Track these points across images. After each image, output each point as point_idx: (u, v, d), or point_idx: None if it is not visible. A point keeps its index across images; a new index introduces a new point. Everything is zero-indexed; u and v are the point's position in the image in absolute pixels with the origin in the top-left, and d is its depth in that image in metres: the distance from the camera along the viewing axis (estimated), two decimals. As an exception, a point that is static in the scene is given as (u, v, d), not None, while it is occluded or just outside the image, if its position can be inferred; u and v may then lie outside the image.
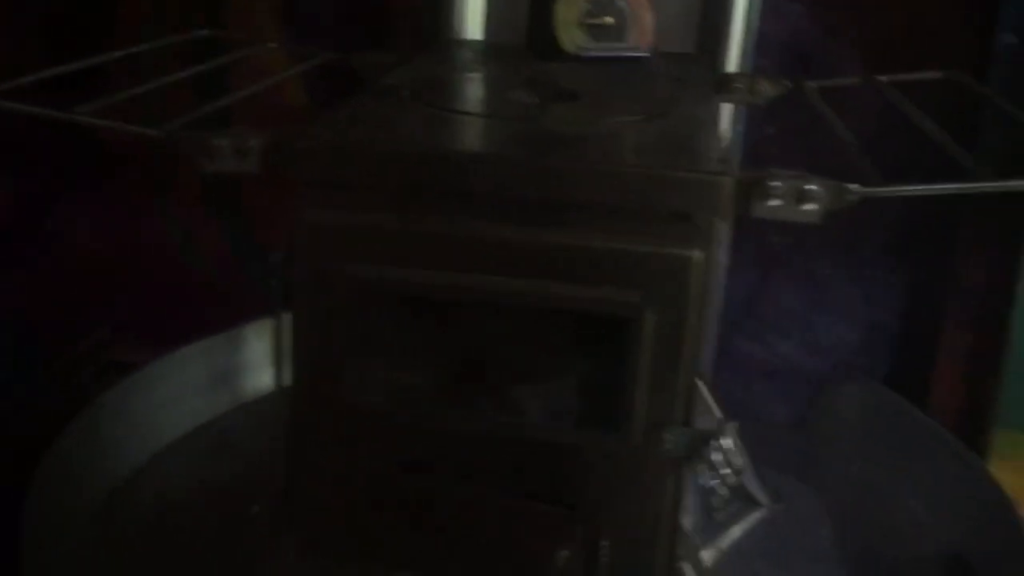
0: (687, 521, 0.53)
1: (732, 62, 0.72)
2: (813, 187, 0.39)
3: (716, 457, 0.40)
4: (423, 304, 0.41)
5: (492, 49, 0.69)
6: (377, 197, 0.40)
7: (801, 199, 0.39)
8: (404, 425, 0.42)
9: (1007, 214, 0.71)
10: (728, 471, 0.41)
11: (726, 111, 0.62)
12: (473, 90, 0.52)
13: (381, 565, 0.44)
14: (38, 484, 0.58)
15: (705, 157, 0.41)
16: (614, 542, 0.42)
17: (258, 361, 0.73)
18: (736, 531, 0.75)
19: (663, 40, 0.73)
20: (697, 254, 0.39)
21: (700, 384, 0.62)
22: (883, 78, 0.59)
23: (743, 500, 0.76)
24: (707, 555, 0.68)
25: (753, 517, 0.75)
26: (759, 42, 0.73)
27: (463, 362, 0.42)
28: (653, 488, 0.42)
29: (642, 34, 0.64)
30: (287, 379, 0.43)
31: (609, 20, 0.62)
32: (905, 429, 0.77)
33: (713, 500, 0.42)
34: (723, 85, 0.61)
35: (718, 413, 0.65)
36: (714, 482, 0.41)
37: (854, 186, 0.39)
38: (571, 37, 0.62)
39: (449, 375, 0.42)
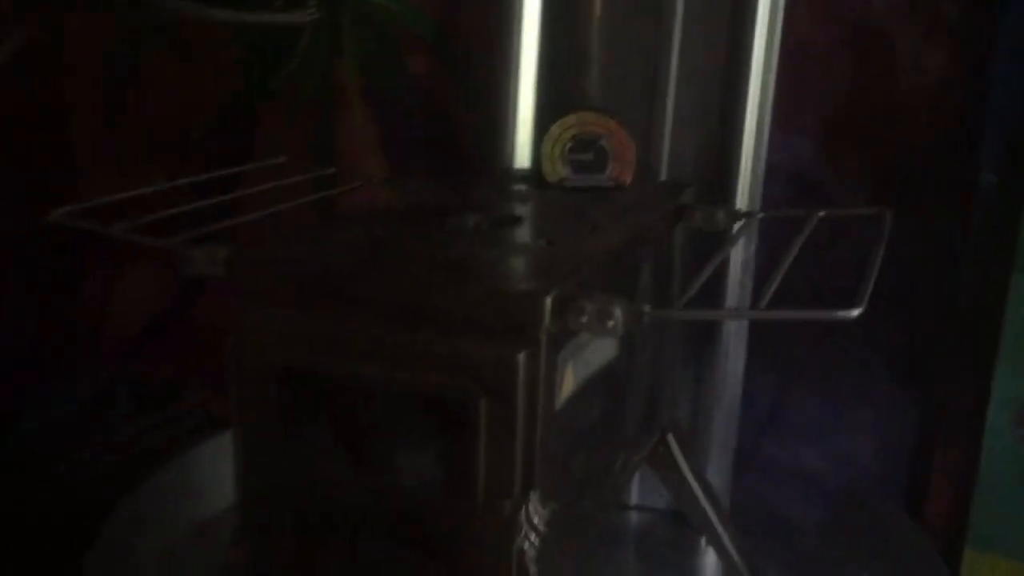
0: None
1: (743, 191, 0.81)
2: (613, 307, 0.48)
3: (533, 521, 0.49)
4: (325, 386, 0.53)
5: (510, 176, 0.82)
6: (293, 299, 0.53)
7: (603, 317, 0.48)
8: (310, 483, 0.54)
9: (982, 336, 0.74)
10: (529, 532, 0.49)
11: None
12: (431, 215, 0.64)
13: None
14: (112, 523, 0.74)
15: (547, 281, 0.52)
16: (469, 588, 0.52)
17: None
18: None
19: (678, 171, 0.84)
20: (522, 355, 0.49)
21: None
22: (822, 213, 0.66)
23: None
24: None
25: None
26: (769, 172, 0.81)
27: (355, 436, 0.54)
28: (499, 545, 0.51)
29: (624, 167, 0.74)
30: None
31: (589, 157, 0.73)
32: (898, 544, 0.81)
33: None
34: (681, 213, 0.70)
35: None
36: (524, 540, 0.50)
37: (647, 307, 0.48)
38: (555, 169, 0.73)
39: (344, 446, 0.54)
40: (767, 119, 0.80)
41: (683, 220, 0.70)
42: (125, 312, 1.11)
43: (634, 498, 0.95)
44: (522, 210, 0.67)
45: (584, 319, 0.48)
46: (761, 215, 0.70)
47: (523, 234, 0.60)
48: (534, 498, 0.49)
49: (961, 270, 0.74)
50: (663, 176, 0.84)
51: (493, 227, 0.62)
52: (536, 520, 0.49)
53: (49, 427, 0.90)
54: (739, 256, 0.80)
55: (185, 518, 0.82)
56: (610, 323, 0.48)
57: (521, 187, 0.76)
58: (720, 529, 0.81)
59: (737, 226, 0.70)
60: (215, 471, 0.75)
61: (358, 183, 0.74)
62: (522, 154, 0.86)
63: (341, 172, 0.77)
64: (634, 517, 0.94)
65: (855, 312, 0.44)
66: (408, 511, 0.53)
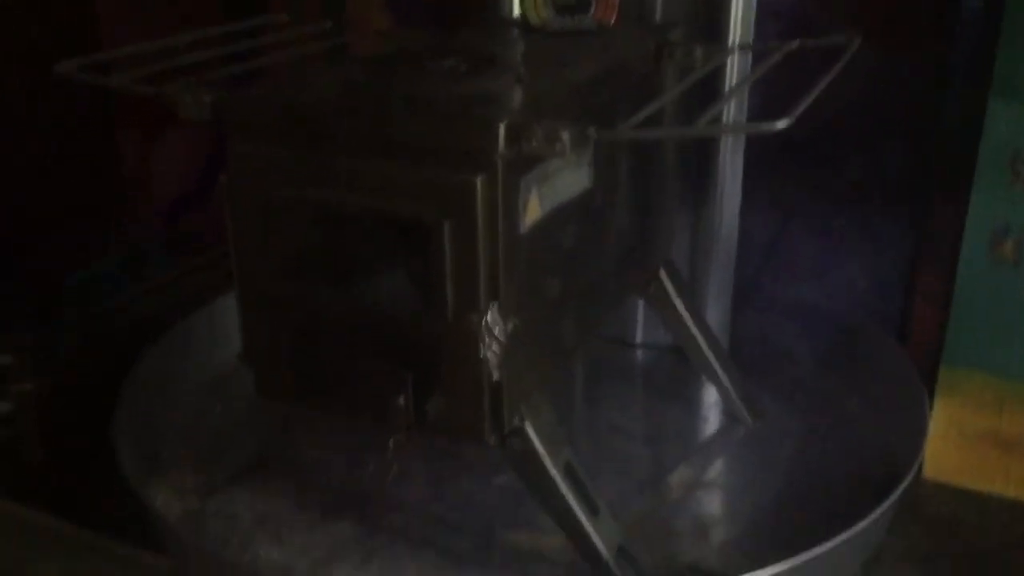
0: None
1: (735, 33, 0.82)
2: (560, 131, 0.51)
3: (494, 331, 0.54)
4: (307, 215, 0.58)
5: (505, 24, 0.84)
6: (275, 136, 0.57)
7: (551, 139, 0.51)
8: (300, 303, 0.60)
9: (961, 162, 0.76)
10: (491, 343, 0.54)
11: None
12: (412, 57, 0.67)
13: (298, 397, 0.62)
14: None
15: (502, 108, 0.55)
16: (443, 395, 0.58)
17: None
18: (716, 444, 0.86)
19: (674, 10, 0.85)
20: (481, 179, 0.53)
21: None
22: (795, 43, 0.68)
23: (732, 419, 0.87)
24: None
25: (733, 433, 0.87)
26: (767, 12, 0.82)
27: (336, 259, 0.59)
28: (468, 357, 0.56)
29: (607, 8, 0.76)
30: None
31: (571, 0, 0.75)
32: (885, 368, 0.84)
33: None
34: (660, 52, 0.72)
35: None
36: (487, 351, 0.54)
37: (591, 130, 0.51)
38: (538, 13, 0.75)
39: (327, 269, 0.59)
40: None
41: (664, 58, 0.72)
42: (163, 175, 1.17)
43: (639, 338, 0.99)
44: (502, 53, 0.70)
45: (534, 143, 0.52)
46: (735, 51, 0.71)
47: (495, 74, 0.63)
48: (494, 309, 0.54)
49: (945, 96, 0.75)
50: (657, 17, 0.85)
51: (469, 69, 0.64)
52: (496, 330, 0.54)
53: (91, 280, 0.97)
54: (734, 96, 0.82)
55: (216, 357, 0.89)
56: (558, 145, 0.51)
57: (509, 34, 0.78)
58: (715, 363, 0.85)
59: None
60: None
61: (352, 35, 0.77)
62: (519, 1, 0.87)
63: (340, 26, 0.80)
64: (639, 354, 0.99)
65: (780, 124, 0.47)
66: (387, 327, 0.58)
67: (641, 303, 0.96)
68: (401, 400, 0.57)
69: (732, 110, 0.82)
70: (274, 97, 0.59)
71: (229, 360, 0.87)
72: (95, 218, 1.04)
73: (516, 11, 0.85)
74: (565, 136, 0.51)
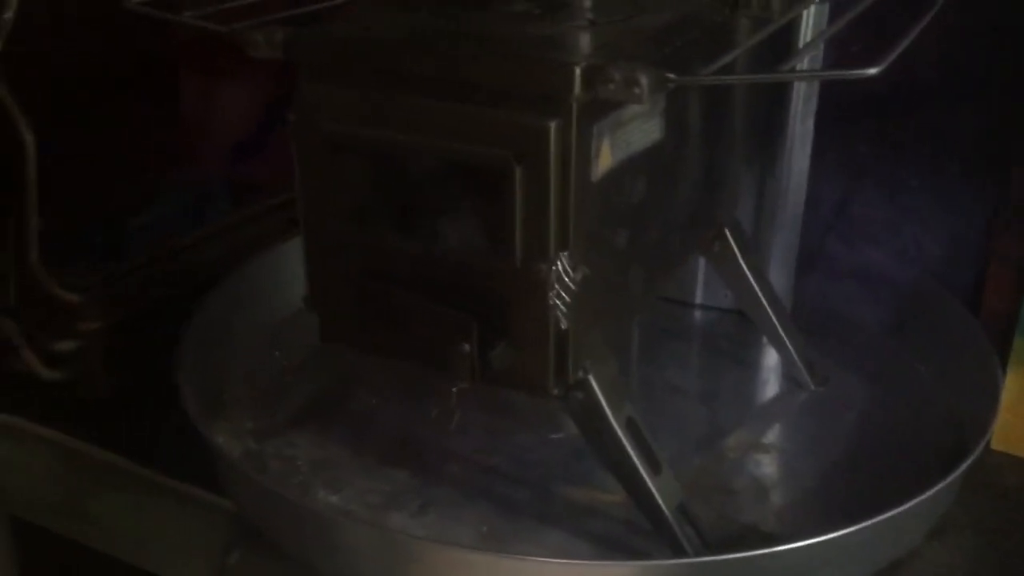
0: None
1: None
2: (638, 74, 0.50)
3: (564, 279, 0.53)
4: (377, 157, 0.57)
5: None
6: (345, 76, 0.56)
7: (630, 84, 0.50)
8: (367, 246, 0.59)
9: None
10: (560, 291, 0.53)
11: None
12: (484, 1, 0.66)
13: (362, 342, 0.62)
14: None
15: (578, 52, 0.53)
16: (509, 344, 0.57)
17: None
18: (777, 407, 0.85)
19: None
20: (555, 123, 0.52)
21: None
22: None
23: (793, 383, 0.86)
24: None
25: (796, 397, 0.85)
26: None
27: (405, 203, 0.58)
28: (535, 306, 0.55)
29: (685, -45, 0.73)
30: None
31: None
32: (955, 333, 0.82)
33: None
34: (736, 0, 0.70)
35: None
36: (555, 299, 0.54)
37: (671, 75, 0.50)
38: (612, -41, 0.73)
39: (396, 212, 0.58)
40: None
41: (740, 7, 0.70)
42: (225, 118, 1.17)
43: (699, 298, 0.98)
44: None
45: (612, 87, 0.50)
46: (817, 1, 0.69)
47: (568, 16, 0.62)
48: (564, 258, 0.53)
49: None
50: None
51: (541, 12, 0.63)
52: (567, 279, 0.53)
53: (155, 222, 0.98)
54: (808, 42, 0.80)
55: (277, 302, 0.89)
56: (636, 90, 0.50)
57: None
58: (777, 325, 0.84)
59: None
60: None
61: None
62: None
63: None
64: (698, 315, 0.97)
65: (872, 71, 0.45)
66: (454, 273, 0.57)
67: (701, 263, 0.94)
68: (466, 348, 0.56)
69: (805, 63, 0.80)
70: (346, 35, 0.58)
71: (290, 305, 0.88)
72: (158, 160, 1.04)
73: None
74: (644, 80, 0.50)
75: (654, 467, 0.62)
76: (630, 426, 0.61)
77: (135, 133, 1.03)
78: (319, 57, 0.57)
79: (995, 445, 0.76)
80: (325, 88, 0.57)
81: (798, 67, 0.77)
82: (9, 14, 0.71)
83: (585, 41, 0.57)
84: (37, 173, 0.71)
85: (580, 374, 0.59)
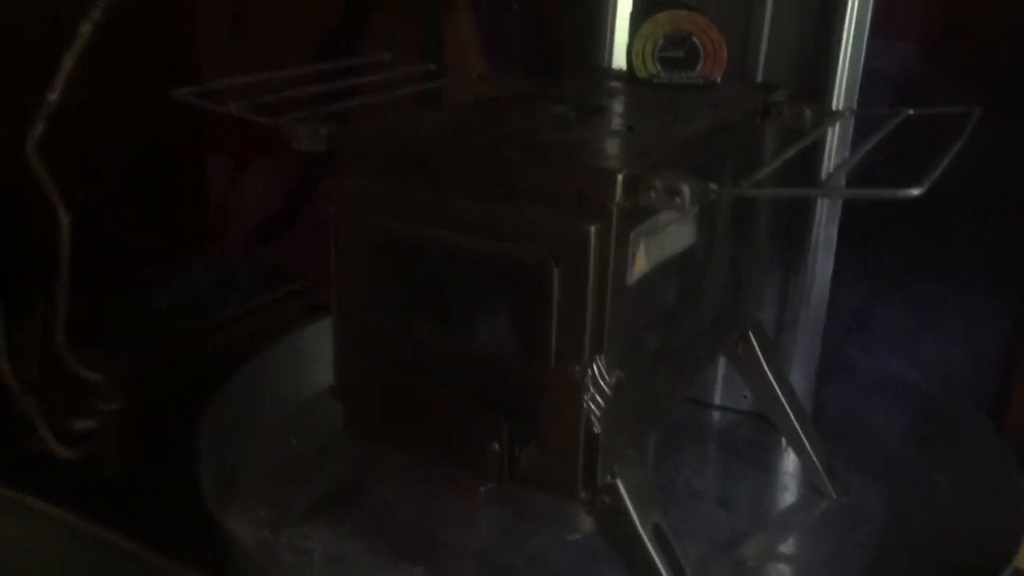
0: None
1: (840, 95, 0.81)
2: (681, 184, 0.50)
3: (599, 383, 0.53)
4: (414, 252, 0.58)
5: (607, 75, 0.84)
6: (388, 171, 0.57)
7: (672, 193, 0.51)
8: (400, 340, 0.59)
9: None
10: (595, 394, 0.53)
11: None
12: (522, 104, 0.67)
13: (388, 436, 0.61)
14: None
15: (619, 158, 0.54)
16: (538, 446, 0.56)
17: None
18: (797, 515, 0.84)
19: (777, 73, 0.84)
20: (595, 227, 0.52)
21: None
22: (910, 111, 0.66)
23: (812, 491, 0.84)
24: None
25: (816, 506, 0.84)
26: (872, 77, 0.81)
27: (440, 298, 0.58)
28: (568, 408, 0.55)
29: (716, 66, 0.75)
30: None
31: (679, 54, 0.74)
32: (978, 447, 0.81)
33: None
34: (768, 111, 0.72)
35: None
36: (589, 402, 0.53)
37: (713, 185, 0.50)
38: (645, 66, 0.75)
39: (430, 307, 0.58)
40: (866, 20, 0.79)
41: (772, 118, 0.72)
42: (249, 203, 1.18)
43: (717, 399, 0.97)
44: (609, 102, 0.69)
45: (653, 195, 0.51)
46: (848, 114, 0.70)
47: (606, 122, 0.63)
48: (600, 362, 0.53)
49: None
50: (759, 77, 0.85)
51: (578, 116, 0.64)
52: (602, 383, 0.53)
53: (179, 303, 0.98)
54: (832, 158, 0.81)
55: (295, 389, 0.89)
56: (678, 199, 0.51)
57: (613, 84, 0.78)
58: (799, 429, 0.83)
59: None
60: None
61: (453, 76, 0.77)
62: (619, 55, 0.88)
63: (442, 69, 0.80)
64: (716, 416, 0.97)
65: (915, 192, 0.46)
66: (486, 371, 0.57)
67: (721, 363, 0.94)
68: (496, 447, 0.56)
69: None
70: (390, 133, 0.59)
71: (308, 391, 0.88)
72: (185, 242, 1.05)
73: (619, 62, 0.86)
74: (686, 190, 0.50)
75: (679, 574, 0.61)
76: (656, 533, 0.60)
77: (160, 215, 1.04)
78: (363, 152, 0.58)
79: (1020, 564, 0.75)
80: (366, 183, 0.58)
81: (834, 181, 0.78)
82: (53, 96, 0.72)
83: (625, 147, 0.58)
84: (70, 255, 0.72)
85: (609, 479, 0.58)
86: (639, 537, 0.59)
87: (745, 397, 0.95)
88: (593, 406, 0.53)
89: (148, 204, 1.02)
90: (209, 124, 1.19)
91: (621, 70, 0.83)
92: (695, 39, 0.75)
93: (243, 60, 1.20)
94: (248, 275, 1.10)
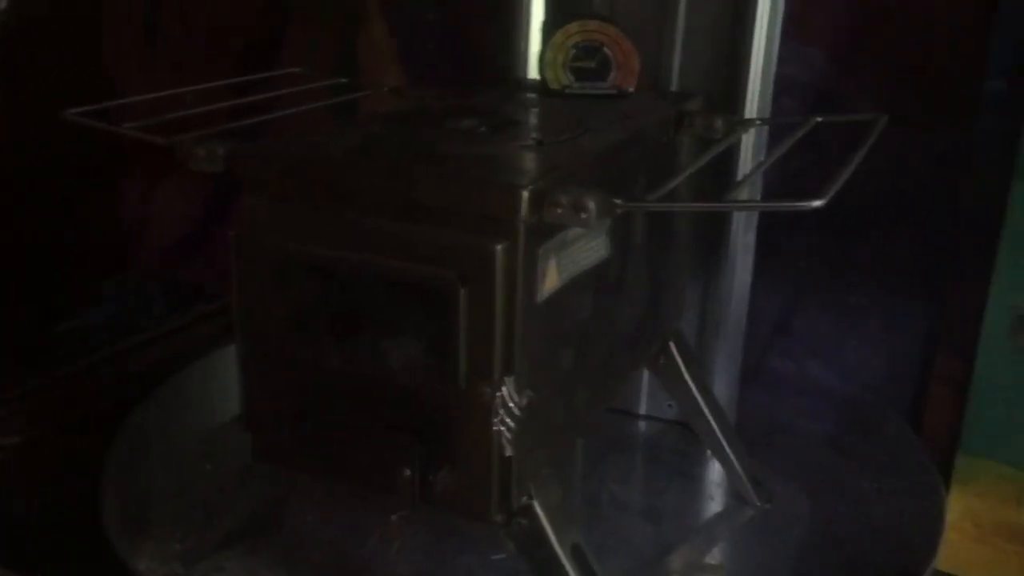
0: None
1: (753, 103, 0.81)
2: (586, 199, 0.49)
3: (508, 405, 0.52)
4: (319, 273, 0.56)
5: (521, 86, 0.83)
6: (290, 190, 0.55)
7: (578, 208, 0.50)
8: (307, 364, 0.57)
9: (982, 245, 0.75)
10: (504, 417, 0.52)
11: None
12: (432, 118, 0.66)
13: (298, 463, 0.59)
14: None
15: (525, 174, 0.53)
16: (451, 469, 0.55)
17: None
18: (722, 525, 0.84)
19: (691, 82, 0.84)
20: (501, 245, 0.51)
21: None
22: (819, 119, 0.67)
23: (737, 499, 0.84)
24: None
25: (742, 514, 0.84)
26: (785, 84, 0.81)
27: (347, 320, 0.56)
28: (479, 430, 0.54)
29: (628, 76, 0.75)
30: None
31: (591, 64, 0.74)
32: (898, 450, 0.82)
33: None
34: (680, 121, 0.71)
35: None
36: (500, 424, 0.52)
37: (618, 200, 0.49)
38: (557, 77, 0.74)
39: (338, 330, 0.57)
40: (777, 30, 0.80)
41: (684, 127, 0.71)
42: (163, 223, 1.15)
43: (643, 408, 0.97)
44: (521, 115, 0.68)
45: (559, 211, 0.50)
46: (758, 122, 0.70)
47: (516, 136, 0.62)
48: (510, 383, 0.52)
49: (966, 178, 0.74)
50: (673, 86, 0.85)
51: (489, 130, 0.63)
52: (511, 404, 0.52)
53: (88, 327, 0.95)
54: (747, 165, 0.81)
55: (209, 414, 0.86)
56: (583, 215, 0.50)
57: (527, 95, 0.77)
58: (722, 438, 0.83)
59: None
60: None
61: (366, 91, 0.76)
62: (535, 65, 0.87)
63: (354, 82, 0.79)
64: (642, 426, 0.96)
65: (816, 203, 0.45)
66: (396, 394, 0.56)
67: (645, 374, 0.94)
68: (408, 472, 0.54)
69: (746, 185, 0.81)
70: (290, 151, 0.57)
71: (223, 418, 0.85)
72: (93, 264, 1.01)
73: (535, 73, 0.85)
74: (591, 205, 0.49)
75: (600, 595, 0.60)
76: (575, 553, 0.59)
77: (71, 235, 1.01)
78: (262, 172, 0.56)
79: (941, 566, 0.76)
80: (268, 203, 0.56)
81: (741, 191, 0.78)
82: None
83: (532, 162, 0.57)
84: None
85: (524, 499, 0.57)
86: (557, 558, 0.58)
87: (670, 406, 0.94)
88: (504, 428, 0.52)
89: (58, 224, 0.98)
90: (122, 142, 1.15)
91: (536, 81, 0.82)
92: (606, 49, 0.74)
93: (157, 75, 1.16)
94: (164, 297, 1.07)
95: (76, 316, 0.95)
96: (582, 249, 0.59)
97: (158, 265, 1.12)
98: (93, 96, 0.66)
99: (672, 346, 0.81)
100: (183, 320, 0.94)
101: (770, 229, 0.86)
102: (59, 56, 1.06)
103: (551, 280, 0.56)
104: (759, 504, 0.83)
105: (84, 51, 1.13)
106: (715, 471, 0.87)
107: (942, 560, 0.76)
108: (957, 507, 0.75)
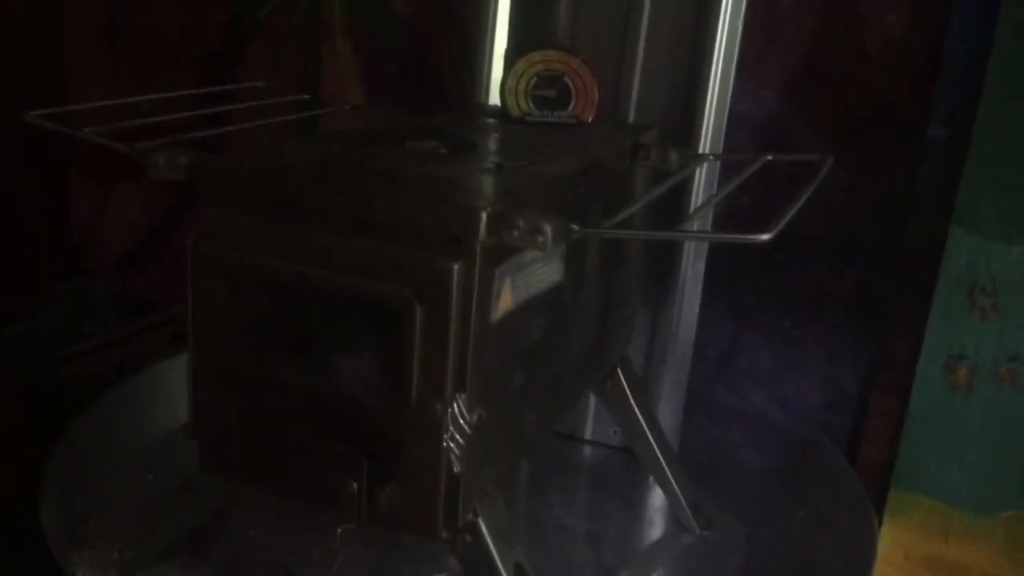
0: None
1: (707, 138, 0.84)
2: (543, 223, 0.51)
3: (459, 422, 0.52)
4: (275, 286, 0.56)
5: (482, 111, 0.84)
6: (249, 203, 0.56)
7: (534, 232, 0.51)
8: (258, 376, 0.57)
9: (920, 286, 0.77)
10: (454, 433, 0.52)
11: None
12: (392, 137, 0.67)
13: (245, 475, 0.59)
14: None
15: (484, 196, 0.54)
16: (398, 484, 0.55)
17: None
18: (662, 550, 0.85)
19: (648, 115, 0.86)
20: (458, 265, 0.52)
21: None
22: (769, 157, 0.69)
23: (677, 525, 0.86)
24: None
25: (681, 541, 0.85)
26: (738, 121, 0.83)
27: (300, 334, 0.57)
28: (428, 447, 0.54)
29: (587, 106, 0.76)
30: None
31: (552, 93, 0.75)
32: (833, 481, 0.84)
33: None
34: (636, 152, 0.73)
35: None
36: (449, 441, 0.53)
37: (574, 225, 0.51)
38: (518, 104, 0.76)
39: (291, 343, 0.57)
40: (732, 70, 0.82)
41: (640, 158, 0.73)
42: (115, 231, 1.14)
43: (588, 434, 0.98)
44: (480, 139, 0.70)
45: (516, 233, 0.51)
46: (711, 157, 0.72)
47: (475, 158, 0.63)
48: (460, 400, 0.52)
49: (906, 220, 0.77)
50: (631, 118, 0.87)
51: (449, 152, 0.64)
52: (462, 422, 0.53)
53: (35, 333, 0.93)
54: (699, 198, 0.83)
55: (154, 423, 0.85)
56: (540, 238, 0.51)
57: (487, 120, 0.78)
58: (664, 464, 0.84)
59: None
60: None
61: (328, 108, 0.77)
62: (496, 92, 0.88)
63: (317, 99, 0.79)
64: (587, 451, 0.97)
65: (764, 237, 0.47)
66: (346, 409, 0.56)
67: (592, 399, 0.95)
68: (354, 487, 0.55)
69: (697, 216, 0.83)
70: (251, 164, 0.58)
71: (168, 426, 0.84)
72: (41, 268, 1.00)
73: (496, 99, 0.86)
74: (548, 229, 0.51)
75: (540, 615, 0.61)
76: (518, 572, 0.60)
77: (20, 240, 0.99)
78: (223, 184, 0.57)
79: (872, 595, 0.78)
80: (226, 214, 0.56)
81: (692, 223, 0.80)
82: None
83: (491, 185, 0.58)
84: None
85: (470, 517, 0.57)
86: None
87: (615, 432, 0.96)
88: (453, 445, 0.53)
89: (5, 229, 0.97)
90: (74, 148, 1.14)
91: (496, 107, 0.83)
92: (567, 79, 0.76)
93: (116, 82, 1.16)
94: (113, 304, 1.06)
95: (21, 320, 0.93)
96: (536, 272, 0.60)
97: (110, 274, 1.11)
98: (50, 102, 0.66)
99: (619, 372, 0.82)
100: (133, 327, 0.93)
101: (718, 261, 0.88)
102: (13, 57, 1.05)
103: (505, 301, 0.57)
104: (698, 531, 0.84)
105: (40, 55, 1.12)
106: (657, 497, 0.89)
107: (875, 591, 0.78)
108: (888, 540, 0.77)
